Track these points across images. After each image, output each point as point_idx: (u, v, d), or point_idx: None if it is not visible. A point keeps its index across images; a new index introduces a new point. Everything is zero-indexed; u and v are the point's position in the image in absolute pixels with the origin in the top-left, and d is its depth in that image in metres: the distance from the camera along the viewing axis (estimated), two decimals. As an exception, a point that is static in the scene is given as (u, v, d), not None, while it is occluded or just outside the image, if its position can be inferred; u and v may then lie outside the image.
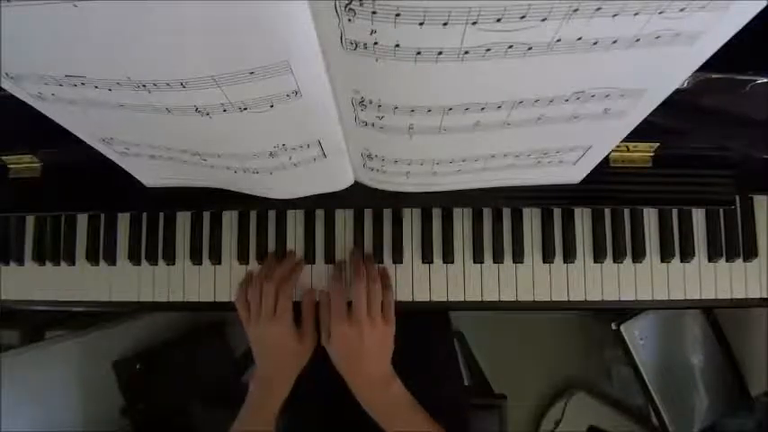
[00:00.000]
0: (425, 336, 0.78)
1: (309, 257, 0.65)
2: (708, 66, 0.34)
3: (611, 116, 0.41)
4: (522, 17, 0.28)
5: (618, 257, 0.63)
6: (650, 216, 0.64)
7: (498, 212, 0.65)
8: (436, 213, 0.65)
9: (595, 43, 0.31)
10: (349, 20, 0.28)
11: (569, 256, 0.63)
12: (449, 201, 0.60)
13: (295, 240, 0.66)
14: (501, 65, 0.32)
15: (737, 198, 0.62)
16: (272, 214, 0.67)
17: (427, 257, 0.64)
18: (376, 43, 0.30)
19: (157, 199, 0.60)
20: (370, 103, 0.37)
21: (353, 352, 0.58)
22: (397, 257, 0.64)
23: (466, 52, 0.30)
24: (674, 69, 0.36)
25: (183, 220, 0.67)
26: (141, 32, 0.30)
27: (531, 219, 0.65)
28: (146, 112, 0.38)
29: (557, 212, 0.64)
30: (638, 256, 0.63)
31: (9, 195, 0.64)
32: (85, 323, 1.09)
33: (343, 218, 0.66)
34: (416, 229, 0.65)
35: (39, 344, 1.03)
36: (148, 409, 1.08)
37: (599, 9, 0.28)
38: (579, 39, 0.30)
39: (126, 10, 0.28)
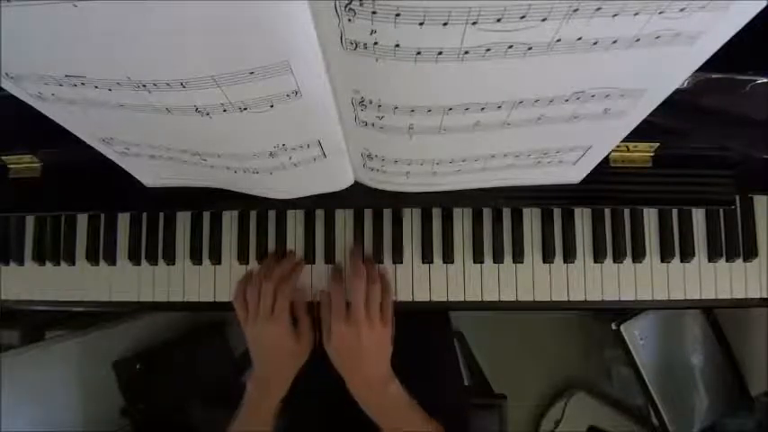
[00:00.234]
0: (425, 336, 0.78)
1: (309, 257, 0.65)
2: (708, 66, 0.34)
3: (611, 116, 0.41)
4: (522, 17, 0.28)
5: (618, 257, 0.63)
6: (650, 216, 0.64)
7: (498, 212, 0.65)
8: (436, 213, 0.65)
9: (595, 43, 0.31)
10: (349, 20, 0.28)
11: (569, 256, 0.63)
12: (449, 201, 0.60)
13: (295, 240, 0.66)
14: (501, 65, 0.32)
15: (737, 198, 0.62)
16: (272, 214, 0.67)
17: (427, 257, 0.64)
18: (376, 43, 0.30)
19: (157, 199, 0.60)
20: (370, 103, 0.37)
21: (351, 352, 0.58)
22: (397, 257, 0.64)
23: (466, 52, 0.30)
24: (674, 69, 0.36)
25: (183, 220, 0.67)
26: (141, 32, 0.30)
27: (531, 219, 0.65)
28: (146, 112, 0.38)
29: (557, 212, 0.64)
30: (638, 256, 0.63)
31: (9, 195, 0.64)
32: (85, 323, 1.09)
33: (343, 218, 0.66)
34: (416, 229, 0.65)
35: (39, 344, 1.03)
36: (148, 409, 1.08)
37: (599, 9, 0.28)
38: (579, 39, 0.30)
39: (126, 10, 0.28)
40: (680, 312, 1.07)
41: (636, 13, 0.28)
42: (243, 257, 0.66)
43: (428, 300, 0.64)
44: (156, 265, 0.67)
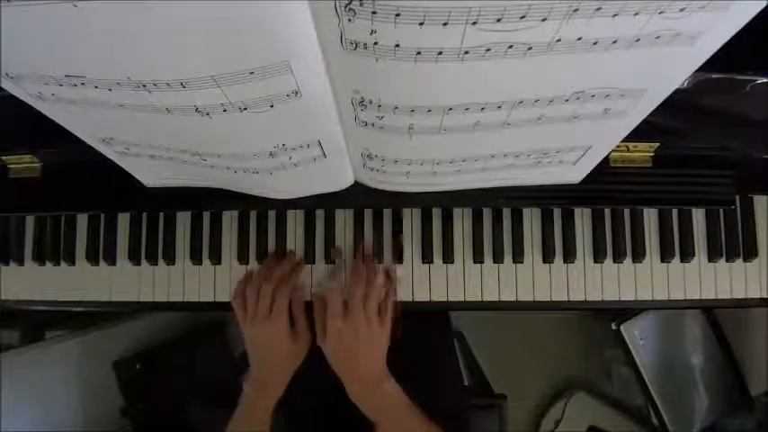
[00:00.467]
0: (425, 336, 0.78)
1: (309, 257, 0.65)
2: (708, 66, 0.34)
3: (611, 116, 0.41)
4: (522, 17, 0.28)
5: (618, 257, 0.63)
6: (650, 216, 0.64)
7: (498, 212, 0.65)
8: (436, 213, 0.65)
9: (595, 43, 0.31)
10: (349, 20, 0.28)
11: (569, 256, 0.63)
12: (449, 201, 0.60)
13: (295, 240, 0.66)
14: (501, 65, 0.32)
15: (737, 198, 0.62)
16: (272, 214, 0.67)
17: (427, 257, 0.64)
18: (376, 43, 0.30)
19: (157, 199, 0.60)
20: (370, 103, 0.37)
21: (347, 349, 0.58)
22: (397, 257, 0.64)
23: (466, 52, 0.30)
24: (674, 69, 0.36)
25: (183, 220, 0.67)
26: (141, 32, 0.30)
27: (531, 219, 0.65)
28: (146, 112, 0.38)
29: (557, 212, 0.64)
30: (638, 256, 0.63)
31: (9, 195, 0.64)
32: (85, 323, 1.09)
33: (343, 218, 0.66)
34: (416, 229, 0.65)
35: (39, 344, 1.03)
36: (148, 409, 1.08)
37: (599, 9, 0.28)
38: (579, 39, 0.30)
39: (126, 10, 0.28)
40: (680, 312, 1.07)
41: (636, 13, 0.28)
42: (243, 257, 0.66)
43: (428, 300, 0.64)
44: (156, 265, 0.67)
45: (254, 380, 0.61)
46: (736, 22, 0.30)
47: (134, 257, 0.67)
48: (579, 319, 1.45)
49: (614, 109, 0.40)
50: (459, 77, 0.33)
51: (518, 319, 1.44)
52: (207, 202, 0.60)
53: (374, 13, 0.27)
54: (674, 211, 0.64)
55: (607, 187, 0.58)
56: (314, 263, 0.66)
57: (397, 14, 0.27)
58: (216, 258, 0.66)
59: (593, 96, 0.38)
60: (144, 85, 0.34)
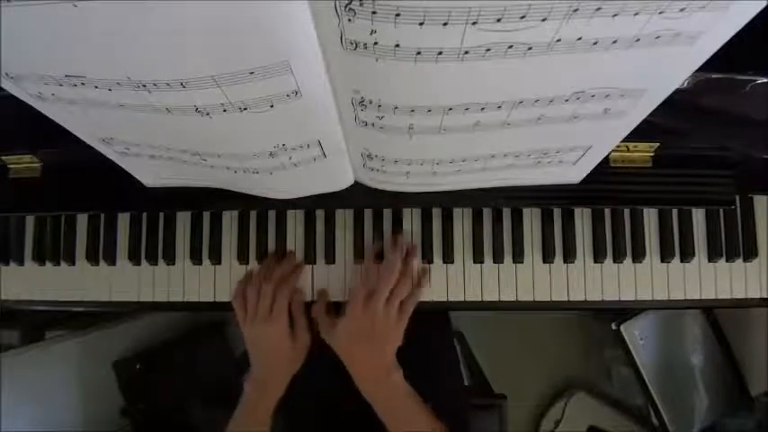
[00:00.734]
0: (425, 336, 0.78)
1: (310, 257, 0.65)
2: (708, 66, 0.34)
3: (611, 116, 0.41)
4: (522, 17, 0.28)
5: (618, 257, 0.63)
6: (650, 216, 0.64)
7: (498, 212, 0.65)
8: (436, 213, 0.65)
9: (595, 43, 0.31)
10: (349, 20, 0.28)
11: (569, 256, 0.63)
12: (449, 201, 0.60)
13: (295, 240, 0.66)
14: (501, 65, 0.32)
15: (737, 198, 0.62)
16: (272, 214, 0.67)
17: (427, 257, 0.64)
18: (376, 43, 0.30)
19: (157, 199, 0.60)
20: (370, 103, 0.37)
21: (360, 336, 0.58)
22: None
23: (466, 52, 0.30)
24: (674, 69, 0.36)
25: (183, 220, 0.67)
26: (141, 32, 0.30)
27: (531, 219, 0.65)
28: (146, 112, 0.38)
29: (557, 212, 0.64)
30: (638, 256, 0.63)
31: (9, 195, 0.64)
32: (85, 323, 1.09)
33: (343, 218, 0.66)
34: (416, 229, 0.65)
35: (39, 344, 1.03)
36: (148, 409, 1.08)
37: (599, 9, 0.28)
38: (579, 39, 0.30)
39: (126, 10, 0.28)
40: (680, 312, 1.07)
41: (636, 13, 0.28)
42: (243, 257, 0.66)
43: (428, 300, 0.64)
44: (156, 265, 0.67)
45: (254, 380, 0.62)
46: (736, 22, 0.30)
47: (134, 257, 0.67)
48: (579, 319, 1.45)
49: (614, 109, 0.40)
50: (459, 77, 0.33)
51: (518, 319, 1.44)
52: (207, 202, 0.60)
53: (374, 13, 0.27)
54: (674, 211, 0.64)
55: (607, 187, 0.58)
56: (314, 263, 0.66)
57: (397, 14, 0.27)
58: (216, 258, 0.66)
59: (593, 96, 0.38)
60: (144, 85, 0.34)
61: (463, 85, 0.35)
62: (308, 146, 0.45)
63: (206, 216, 0.67)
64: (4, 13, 0.28)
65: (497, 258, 0.64)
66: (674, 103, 0.39)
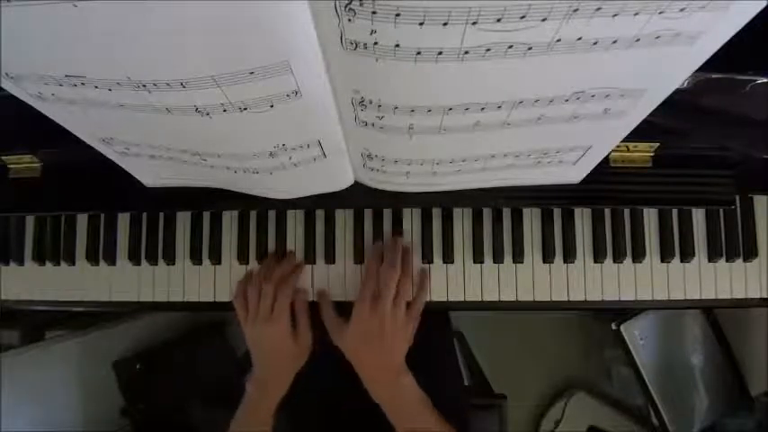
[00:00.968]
0: (425, 336, 0.78)
1: (310, 257, 0.65)
2: (708, 66, 0.34)
3: (611, 116, 0.41)
4: (522, 17, 0.28)
5: (618, 257, 0.63)
6: (650, 216, 0.64)
7: (498, 212, 0.65)
8: (436, 213, 0.65)
9: (595, 43, 0.31)
10: (349, 20, 0.28)
11: (569, 256, 0.63)
12: (449, 201, 0.60)
13: (295, 240, 0.66)
14: (501, 65, 0.32)
15: (737, 198, 0.62)
16: (272, 214, 0.67)
17: (427, 257, 0.64)
18: (376, 43, 0.30)
19: (157, 199, 0.60)
20: (370, 103, 0.37)
21: (370, 337, 0.58)
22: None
23: (466, 52, 0.30)
24: (674, 69, 0.36)
25: (183, 220, 0.67)
26: (141, 32, 0.30)
27: (531, 219, 0.65)
28: (146, 112, 0.38)
29: (557, 212, 0.64)
30: (638, 256, 0.63)
31: (9, 195, 0.64)
32: (85, 323, 1.09)
33: (343, 218, 0.66)
34: (416, 229, 0.65)
35: (39, 344, 1.03)
36: (148, 409, 1.08)
37: (599, 9, 0.28)
38: (579, 39, 0.30)
39: (126, 10, 0.28)
40: (680, 312, 1.07)
41: (636, 13, 0.28)
42: (243, 257, 0.66)
43: (428, 300, 0.64)
44: (156, 265, 0.67)
45: (256, 379, 0.62)
46: (736, 22, 0.30)
47: (134, 257, 0.67)
48: (579, 319, 1.45)
49: (614, 109, 0.40)
50: (459, 77, 0.33)
51: (518, 319, 1.44)
52: (207, 202, 0.60)
53: (374, 13, 0.27)
54: (674, 211, 0.64)
55: (607, 187, 0.58)
56: (314, 263, 0.66)
57: (397, 14, 0.27)
58: (216, 258, 0.66)
59: (593, 96, 0.38)
60: (144, 85, 0.34)
61: (463, 85, 0.35)
62: (308, 146, 0.45)
63: (206, 216, 0.67)
64: (4, 13, 0.28)
65: (497, 258, 0.64)
66: (674, 103, 0.39)
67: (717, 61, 0.33)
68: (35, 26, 0.30)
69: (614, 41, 0.31)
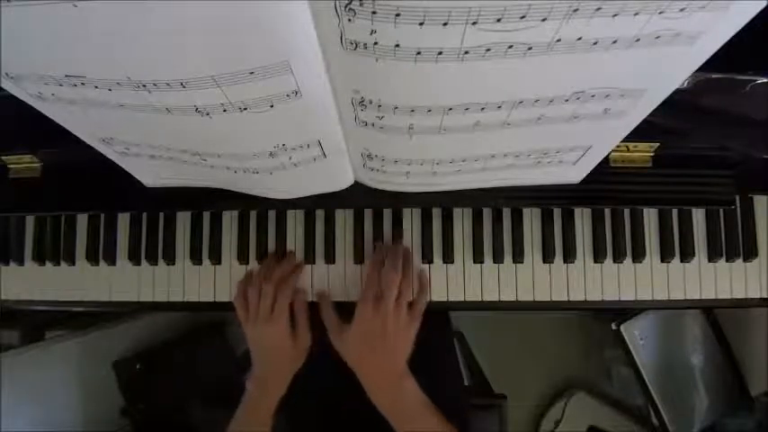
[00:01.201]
0: (425, 336, 0.78)
1: (309, 257, 0.65)
2: (708, 66, 0.34)
3: (611, 116, 0.41)
4: (522, 17, 0.28)
5: (618, 257, 0.63)
6: (650, 216, 0.64)
7: (498, 212, 0.65)
8: (436, 213, 0.65)
9: (595, 43, 0.31)
10: (349, 20, 0.28)
11: (569, 256, 0.63)
12: (449, 201, 0.60)
13: (295, 240, 0.66)
14: (501, 65, 0.32)
15: (737, 198, 0.62)
16: (272, 214, 0.67)
17: (427, 257, 0.64)
18: (376, 43, 0.30)
19: (157, 199, 0.60)
20: (370, 103, 0.37)
21: (372, 339, 0.57)
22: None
23: (466, 52, 0.30)
24: (674, 69, 0.36)
25: (183, 220, 0.67)
26: (141, 32, 0.30)
27: (531, 219, 0.65)
28: (146, 112, 0.38)
29: (557, 212, 0.64)
30: (638, 256, 0.63)
31: (9, 195, 0.64)
32: (85, 323, 1.09)
33: (343, 218, 0.66)
34: (416, 229, 0.65)
35: (39, 344, 1.03)
36: (148, 409, 1.08)
37: (599, 9, 0.28)
38: (579, 39, 0.30)
39: (126, 10, 0.28)
40: (680, 312, 1.07)
41: (636, 13, 0.28)
42: (243, 257, 0.66)
43: (428, 300, 0.64)
44: (156, 265, 0.67)
45: (256, 378, 0.62)
46: (736, 22, 0.30)
47: (134, 257, 0.67)
48: (579, 319, 1.45)
49: (614, 109, 0.40)
50: (459, 77, 0.33)
51: (518, 319, 1.44)
52: (207, 202, 0.60)
53: (374, 13, 0.27)
54: (674, 211, 0.64)
55: (607, 187, 0.58)
56: (314, 263, 0.66)
57: (397, 14, 0.27)
58: (216, 258, 0.66)
59: (593, 96, 0.38)
60: (144, 85, 0.34)
61: (463, 85, 0.35)
62: (308, 146, 0.45)
63: (206, 216, 0.67)
64: (4, 13, 0.28)
65: (497, 258, 0.64)
66: (674, 103, 0.39)
67: (717, 61, 0.33)
68: (35, 26, 0.30)
69: (614, 41, 0.31)
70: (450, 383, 0.80)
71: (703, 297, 0.63)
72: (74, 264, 0.68)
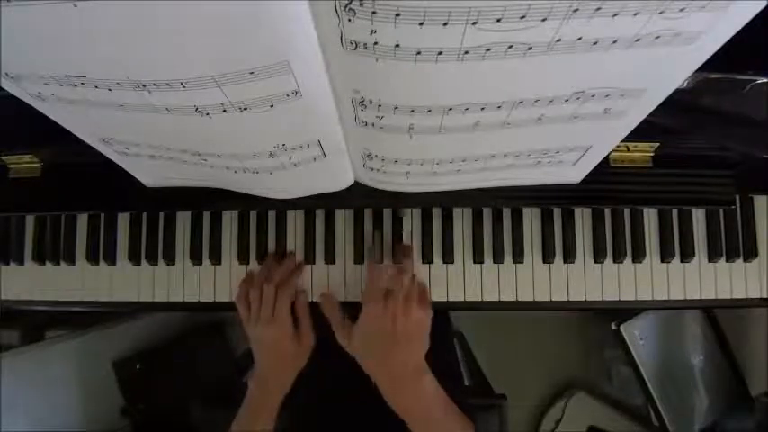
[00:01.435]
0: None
1: (309, 257, 0.65)
2: (708, 66, 0.34)
3: (611, 116, 0.41)
4: (522, 17, 0.28)
5: (618, 257, 0.63)
6: (650, 216, 0.64)
7: (498, 212, 0.65)
8: (436, 213, 0.65)
9: (595, 43, 0.31)
10: (349, 20, 0.28)
11: (569, 256, 0.63)
12: (449, 201, 0.60)
13: (295, 240, 0.66)
14: (501, 65, 0.32)
15: (737, 198, 0.62)
16: (272, 214, 0.67)
17: (427, 257, 0.64)
18: (376, 43, 0.30)
19: (157, 199, 0.60)
20: (370, 103, 0.37)
21: (384, 337, 0.55)
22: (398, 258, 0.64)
23: (466, 52, 0.30)
24: (674, 69, 0.36)
25: (183, 220, 0.67)
26: (141, 32, 0.30)
27: (531, 219, 0.65)
28: (146, 112, 0.38)
29: (557, 212, 0.64)
30: (638, 256, 0.63)
31: (9, 195, 0.64)
32: (85, 323, 1.09)
33: (343, 218, 0.66)
34: (416, 229, 0.65)
35: (39, 344, 1.03)
36: (148, 409, 1.08)
37: (599, 9, 0.28)
38: (579, 39, 0.30)
39: (126, 10, 0.28)
40: (680, 312, 1.07)
41: (636, 13, 0.28)
42: (243, 257, 0.66)
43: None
44: (156, 265, 0.67)
45: (258, 378, 0.62)
46: (736, 22, 0.30)
47: (134, 257, 0.67)
48: (579, 319, 1.45)
49: (614, 109, 0.40)
50: (459, 77, 0.33)
51: (518, 319, 1.44)
52: (207, 202, 0.60)
53: (374, 13, 0.27)
54: (674, 211, 0.64)
55: (607, 187, 0.58)
56: (314, 263, 0.66)
57: (397, 14, 0.27)
58: (216, 258, 0.66)
59: (593, 96, 0.38)
60: (144, 86, 0.34)
61: (463, 85, 0.35)
62: (308, 146, 0.45)
63: (206, 216, 0.67)
64: (4, 13, 0.28)
65: (497, 258, 0.64)
66: (674, 103, 0.39)
67: (717, 61, 0.33)
68: (35, 26, 0.30)
69: (614, 41, 0.31)
70: (450, 383, 0.80)
71: (703, 297, 0.63)
72: (74, 264, 0.68)
